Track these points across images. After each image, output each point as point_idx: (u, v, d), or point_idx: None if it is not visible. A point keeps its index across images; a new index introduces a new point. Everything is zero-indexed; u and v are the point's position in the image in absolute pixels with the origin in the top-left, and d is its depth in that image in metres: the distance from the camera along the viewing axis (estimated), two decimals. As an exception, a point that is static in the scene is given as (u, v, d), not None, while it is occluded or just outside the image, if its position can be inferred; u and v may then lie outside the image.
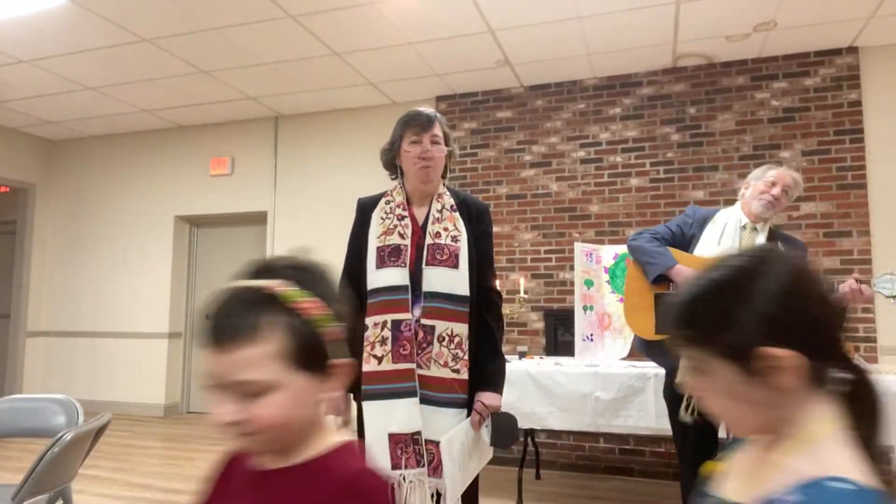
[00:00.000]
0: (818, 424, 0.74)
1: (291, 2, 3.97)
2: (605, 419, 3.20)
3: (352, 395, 1.90)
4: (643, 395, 3.13)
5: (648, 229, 2.72)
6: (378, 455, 1.78)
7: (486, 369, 1.89)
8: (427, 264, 1.86)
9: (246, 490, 0.84)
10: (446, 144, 1.95)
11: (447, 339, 1.83)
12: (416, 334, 1.82)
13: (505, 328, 2.04)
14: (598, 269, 3.85)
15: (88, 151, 6.91)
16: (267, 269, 0.82)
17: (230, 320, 0.76)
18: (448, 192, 1.99)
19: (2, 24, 4.29)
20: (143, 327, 6.42)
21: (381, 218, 1.95)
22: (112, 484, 3.96)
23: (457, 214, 1.95)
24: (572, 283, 4.43)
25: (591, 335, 3.70)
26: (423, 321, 1.83)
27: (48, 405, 2.28)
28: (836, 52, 4.56)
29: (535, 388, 3.30)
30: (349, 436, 0.87)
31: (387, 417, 1.79)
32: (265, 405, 0.76)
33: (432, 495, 1.77)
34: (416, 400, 1.79)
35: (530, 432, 4.02)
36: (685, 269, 2.45)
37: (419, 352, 1.81)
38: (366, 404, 1.83)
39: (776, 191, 2.53)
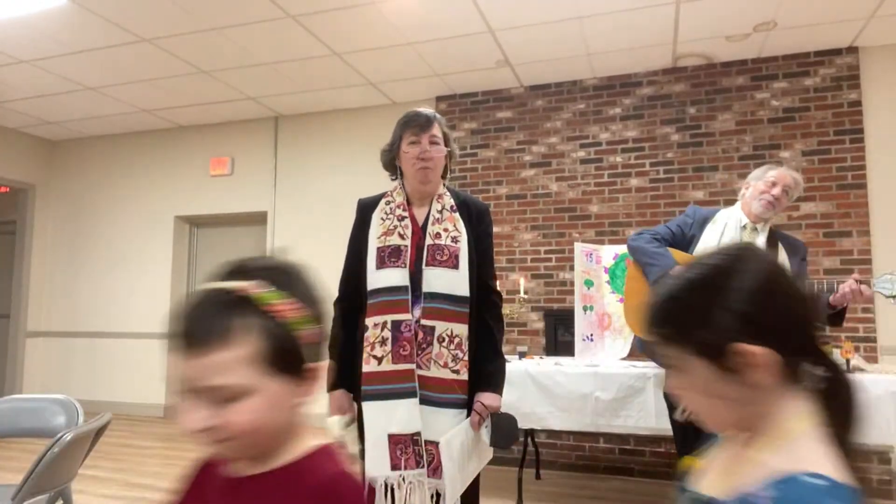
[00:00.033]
0: (794, 421, 0.75)
1: (291, 2, 3.97)
2: (605, 419, 3.19)
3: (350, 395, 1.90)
4: (643, 395, 3.13)
5: (648, 229, 2.72)
6: (378, 456, 1.78)
7: (486, 370, 1.89)
8: (427, 265, 1.86)
9: (220, 498, 0.82)
10: (446, 145, 1.95)
11: (447, 339, 1.83)
12: (416, 335, 1.82)
13: (505, 328, 2.04)
14: (598, 270, 3.85)
15: (88, 151, 6.92)
16: (241, 270, 0.80)
17: (202, 323, 0.74)
18: (448, 193, 1.99)
19: (2, 24, 4.29)
20: (143, 327, 6.42)
21: (382, 218, 1.95)
22: (112, 484, 3.96)
23: (457, 215, 1.95)
24: (572, 284, 4.42)
25: (591, 335, 3.70)
26: (423, 322, 1.82)
27: (48, 405, 2.28)
28: (836, 52, 4.56)
29: (535, 388, 3.30)
30: (327, 438, 0.85)
31: (386, 418, 1.79)
32: (239, 411, 0.73)
33: (432, 496, 1.77)
34: (415, 400, 1.79)
35: (530, 432, 4.02)
36: None
37: (419, 352, 1.81)
38: (365, 405, 1.83)
39: (776, 191, 2.53)
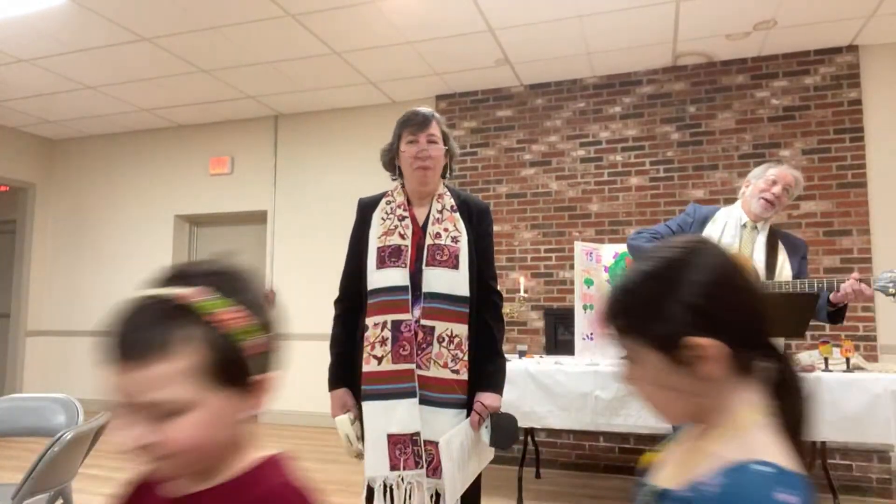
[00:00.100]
0: (745, 413, 0.76)
1: (291, 1, 3.96)
2: (605, 418, 3.19)
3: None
4: (643, 394, 3.12)
5: (648, 228, 2.71)
6: (376, 456, 1.78)
7: (486, 369, 1.89)
8: (427, 265, 1.86)
9: None
10: (445, 144, 1.95)
11: (447, 339, 1.82)
12: (416, 335, 1.82)
13: (505, 328, 2.04)
14: (598, 268, 3.85)
15: (88, 151, 6.91)
16: (182, 275, 0.74)
17: (139, 334, 0.69)
18: (448, 193, 1.99)
19: (2, 24, 4.29)
20: (144, 326, 6.41)
21: (382, 218, 1.94)
22: (112, 483, 3.96)
23: (457, 215, 1.94)
24: (572, 282, 4.42)
25: (592, 334, 3.70)
26: (423, 322, 1.82)
27: (48, 404, 2.28)
28: (837, 50, 4.55)
29: (535, 387, 3.30)
30: (275, 448, 0.80)
31: (386, 418, 1.79)
32: (179, 427, 0.69)
33: (431, 496, 1.77)
34: (415, 401, 1.79)
35: (530, 431, 4.03)
36: None
37: (419, 352, 1.81)
38: (365, 405, 1.83)
39: (776, 189, 2.52)
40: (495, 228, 3.67)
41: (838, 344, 3.23)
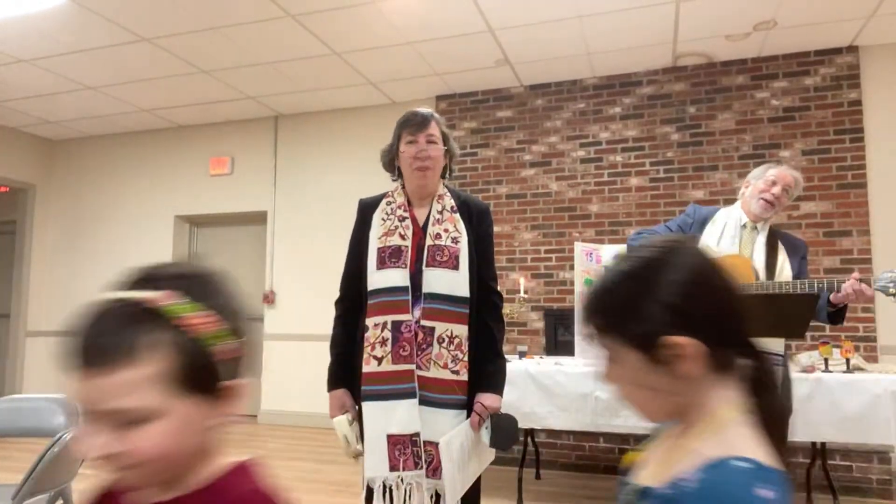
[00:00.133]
0: (724, 410, 0.77)
1: (291, 1, 3.96)
2: (605, 419, 3.20)
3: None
4: (643, 394, 3.13)
5: (648, 229, 2.71)
6: (376, 456, 1.78)
7: (486, 370, 1.89)
8: (427, 265, 1.86)
9: None
10: (444, 144, 1.95)
11: (447, 340, 1.82)
12: (416, 335, 1.82)
13: (505, 328, 2.04)
14: (598, 269, 3.84)
15: (88, 151, 6.91)
16: (150, 278, 0.71)
17: (104, 339, 0.66)
18: (449, 193, 1.99)
19: (2, 24, 4.29)
20: (143, 327, 6.41)
21: (382, 219, 1.94)
22: (112, 484, 3.95)
23: (457, 216, 1.94)
24: (572, 283, 4.43)
25: (591, 335, 3.69)
26: (423, 322, 1.82)
27: (48, 405, 2.28)
28: (836, 51, 4.55)
29: (535, 388, 3.30)
30: (245, 455, 0.79)
31: (386, 418, 1.79)
32: (146, 435, 0.66)
33: (431, 496, 1.77)
34: (415, 401, 1.78)
35: (530, 432, 4.02)
36: None
37: (419, 353, 1.81)
38: (365, 405, 1.83)
39: (776, 190, 2.52)
40: (495, 229, 3.67)
41: (838, 345, 3.23)
